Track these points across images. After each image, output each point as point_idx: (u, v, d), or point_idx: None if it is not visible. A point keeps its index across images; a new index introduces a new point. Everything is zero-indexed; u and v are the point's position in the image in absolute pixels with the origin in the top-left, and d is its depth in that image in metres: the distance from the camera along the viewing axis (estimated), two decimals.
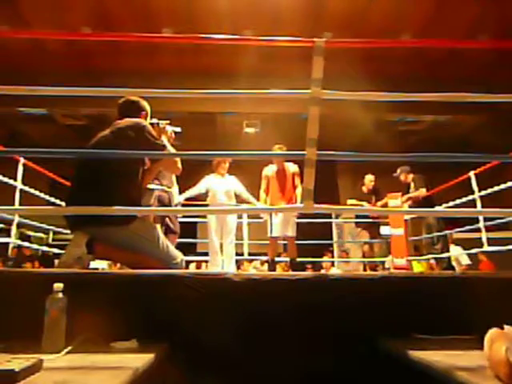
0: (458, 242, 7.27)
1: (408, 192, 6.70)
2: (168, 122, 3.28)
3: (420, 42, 7.68)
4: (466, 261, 7.15)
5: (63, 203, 2.69)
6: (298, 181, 5.60)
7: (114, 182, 2.46)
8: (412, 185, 6.66)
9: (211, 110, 9.42)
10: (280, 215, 5.57)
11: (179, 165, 2.91)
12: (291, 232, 5.54)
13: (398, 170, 6.79)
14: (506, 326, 1.38)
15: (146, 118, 2.92)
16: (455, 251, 6.94)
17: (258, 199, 5.81)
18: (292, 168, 5.64)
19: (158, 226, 4.51)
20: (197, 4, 6.97)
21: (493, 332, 1.36)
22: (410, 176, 6.71)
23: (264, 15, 7.08)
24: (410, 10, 7.14)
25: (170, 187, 4.93)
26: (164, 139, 2.93)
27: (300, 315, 1.92)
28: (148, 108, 2.96)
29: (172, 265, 2.52)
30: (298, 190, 5.54)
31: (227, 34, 2.82)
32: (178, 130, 3.69)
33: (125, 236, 2.45)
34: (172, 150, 2.88)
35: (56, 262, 5.81)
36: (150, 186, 4.53)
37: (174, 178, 4.97)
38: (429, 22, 7.24)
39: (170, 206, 4.88)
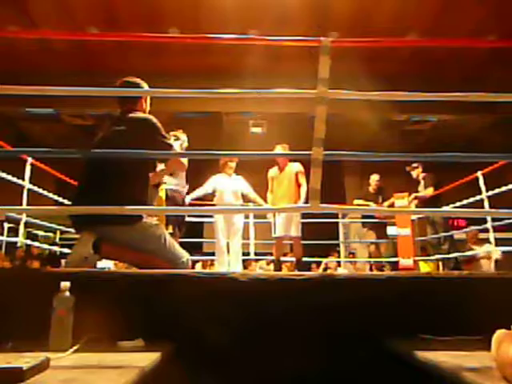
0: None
1: (417, 189, 6.69)
2: (180, 131, 3.33)
3: (426, 41, 7.64)
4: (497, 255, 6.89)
5: (70, 203, 2.68)
6: (302, 179, 5.55)
7: (122, 180, 2.46)
8: (422, 183, 6.65)
9: (218, 110, 9.44)
10: (283, 215, 5.56)
11: (185, 162, 2.93)
12: (294, 232, 5.52)
13: (414, 165, 6.77)
14: None
15: (146, 101, 2.91)
16: (487, 248, 6.54)
17: (265, 200, 5.81)
18: (295, 167, 5.61)
19: (171, 227, 4.56)
20: (203, 4, 6.98)
21: (500, 333, 1.35)
22: (423, 174, 6.70)
23: (270, 15, 7.06)
24: (416, 10, 7.11)
25: (183, 186, 4.95)
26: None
27: (306, 315, 1.92)
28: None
29: (178, 264, 2.53)
30: (303, 189, 5.49)
31: (233, 34, 2.82)
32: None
33: (131, 236, 2.45)
34: (178, 149, 2.89)
35: (63, 261, 5.84)
36: (165, 185, 4.58)
37: (184, 177, 5.00)
38: (435, 21, 7.20)
39: (183, 205, 4.90)
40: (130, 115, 2.68)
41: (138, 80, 2.88)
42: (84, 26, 7.13)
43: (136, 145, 2.43)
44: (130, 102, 2.78)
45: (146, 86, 2.88)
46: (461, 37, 7.10)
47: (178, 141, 4.43)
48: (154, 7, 7.05)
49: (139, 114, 2.70)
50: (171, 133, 4.55)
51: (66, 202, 5.60)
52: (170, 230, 4.59)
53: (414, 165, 6.78)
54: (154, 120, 2.66)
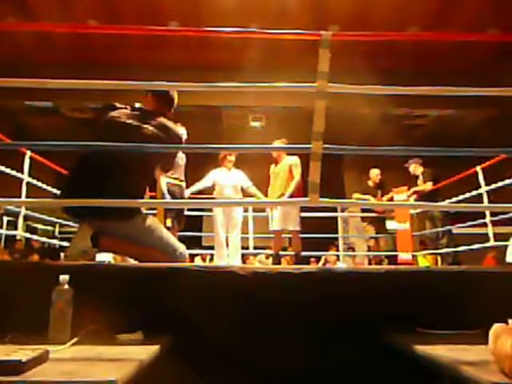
0: None
1: (416, 184, 6.69)
2: (179, 124, 3.31)
3: (427, 35, 7.63)
4: None
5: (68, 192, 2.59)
6: (295, 171, 5.53)
7: (128, 176, 2.43)
8: (420, 177, 6.65)
9: (217, 104, 9.42)
10: (279, 208, 5.57)
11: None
12: (292, 225, 5.52)
13: (410, 161, 6.77)
14: (510, 321, 1.37)
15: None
16: None
17: (265, 195, 5.81)
18: (290, 160, 5.61)
19: (169, 220, 4.55)
20: None
21: (498, 327, 1.36)
22: (420, 169, 6.69)
23: (270, 9, 7.05)
24: (416, 3, 7.09)
25: (181, 180, 4.95)
26: None
27: (304, 309, 1.92)
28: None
29: (176, 256, 2.53)
30: (293, 182, 5.47)
31: (233, 28, 2.80)
32: None
33: (130, 229, 2.45)
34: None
35: (62, 254, 5.85)
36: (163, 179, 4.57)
37: (183, 171, 4.99)
38: (435, 15, 7.19)
39: (182, 199, 4.90)
40: (164, 120, 2.64)
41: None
42: (84, 19, 7.10)
43: (159, 152, 2.46)
44: (164, 106, 2.78)
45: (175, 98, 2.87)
46: (461, 31, 7.09)
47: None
48: (154, 0, 7.03)
49: (176, 127, 2.70)
50: None
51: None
52: (169, 223, 4.58)
53: (411, 161, 6.79)
54: (183, 139, 2.76)
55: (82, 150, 2.63)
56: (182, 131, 4.65)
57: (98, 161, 2.45)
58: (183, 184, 5.02)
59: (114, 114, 2.63)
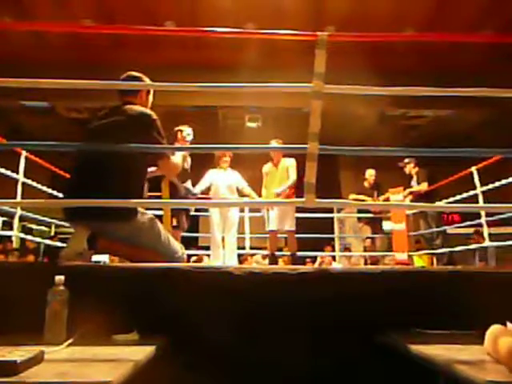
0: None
1: (410, 184, 6.70)
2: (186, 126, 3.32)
3: (423, 36, 7.64)
4: None
5: (64, 195, 2.61)
6: (290, 171, 5.55)
7: (118, 174, 2.42)
8: (415, 178, 6.66)
9: (213, 104, 9.41)
10: (276, 208, 5.57)
11: (178, 164, 2.85)
12: (289, 226, 5.54)
13: (406, 160, 6.77)
14: (508, 324, 1.38)
15: (146, 95, 2.85)
16: None
17: (259, 195, 5.80)
18: (288, 162, 5.62)
19: (175, 220, 4.53)
20: None
21: (495, 328, 1.36)
22: (415, 169, 6.70)
23: (266, 9, 7.05)
24: (413, 5, 7.10)
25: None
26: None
27: (301, 309, 1.92)
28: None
29: (174, 258, 2.52)
30: (288, 181, 5.49)
31: (229, 28, 2.80)
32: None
33: (128, 231, 2.42)
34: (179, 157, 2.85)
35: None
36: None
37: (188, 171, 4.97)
38: (432, 16, 7.20)
39: (187, 198, 4.88)
40: (127, 107, 2.62)
41: (139, 74, 2.83)
42: (79, 19, 7.09)
43: (131, 139, 2.38)
44: (128, 95, 2.74)
45: (147, 80, 2.83)
46: (457, 32, 7.11)
47: (187, 136, 4.50)
48: (150, 0, 7.02)
49: (137, 108, 2.63)
50: (176, 128, 4.62)
51: (60, 195, 5.57)
52: (175, 222, 4.56)
53: (406, 160, 6.80)
54: (154, 116, 2.59)
55: (76, 154, 2.64)
56: (188, 131, 4.64)
57: (89, 164, 2.47)
58: (188, 183, 5.00)
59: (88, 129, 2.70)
